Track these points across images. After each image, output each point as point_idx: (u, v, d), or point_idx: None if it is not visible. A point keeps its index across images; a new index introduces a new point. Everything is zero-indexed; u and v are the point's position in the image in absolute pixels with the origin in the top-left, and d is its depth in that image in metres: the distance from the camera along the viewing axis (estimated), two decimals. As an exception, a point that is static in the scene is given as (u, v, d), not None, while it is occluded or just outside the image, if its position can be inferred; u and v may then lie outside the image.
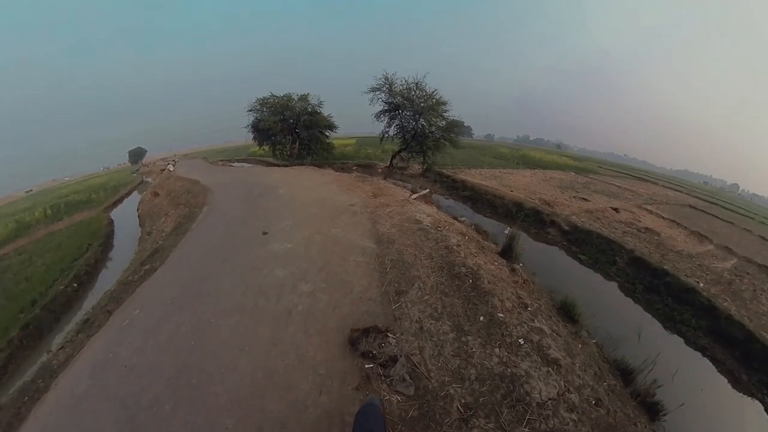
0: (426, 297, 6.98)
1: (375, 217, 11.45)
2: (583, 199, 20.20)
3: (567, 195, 20.76)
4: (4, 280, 15.93)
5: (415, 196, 15.67)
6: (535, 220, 16.21)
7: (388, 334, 5.89)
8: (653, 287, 11.32)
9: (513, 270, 9.31)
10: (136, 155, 69.63)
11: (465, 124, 28.44)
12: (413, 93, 24.70)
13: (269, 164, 31.90)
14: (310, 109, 29.32)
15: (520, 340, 6.09)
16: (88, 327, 7.90)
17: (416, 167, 27.41)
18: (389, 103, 25.25)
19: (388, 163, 28.52)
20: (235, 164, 38.94)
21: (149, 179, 41.82)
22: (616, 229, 15.15)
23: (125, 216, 25.89)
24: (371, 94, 24.99)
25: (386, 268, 8.00)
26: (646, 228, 15.65)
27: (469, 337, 6.04)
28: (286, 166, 28.04)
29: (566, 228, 15.05)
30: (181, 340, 6.23)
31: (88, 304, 11.74)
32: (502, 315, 6.69)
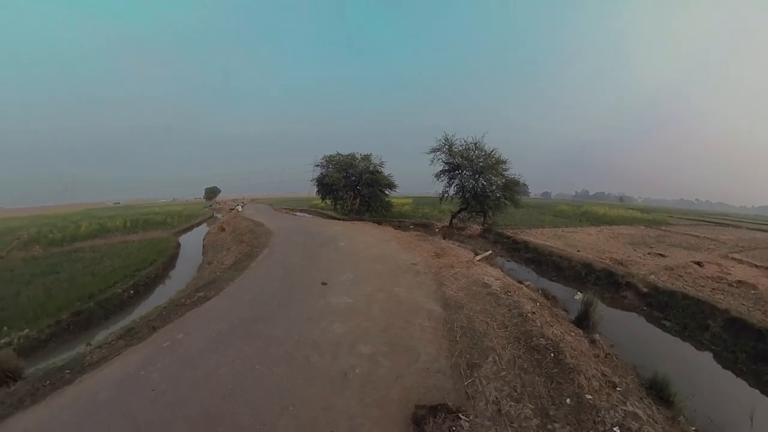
0: (503, 373, 5.78)
1: (440, 278, 10.83)
2: (660, 254, 17.49)
3: (640, 252, 18.19)
4: (74, 269, 17.19)
5: (479, 257, 14.77)
6: (607, 282, 14.08)
7: (461, 415, 4.78)
8: (759, 354, 8.75)
9: (593, 342, 7.79)
10: (211, 192, 77.55)
11: (523, 182, 27.67)
12: (472, 153, 24.98)
13: (330, 217, 32.96)
14: (371, 168, 31.08)
15: (615, 429, 4.69)
16: (129, 336, 7.66)
17: (475, 228, 26.51)
18: (449, 163, 25.65)
19: (448, 222, 28.00)
20: (298, 213, 40.71)
21: (219, 215, 44.84)
22: (703, 286, 12.59)
23: (191, 242, 27.47)
24: (432, 155, 25.68)
25: (456, 336, 6.95)
26: (739, 281, 12.87)
27: (556, 425, 4.74)
28: (346, 220, 28.82)
29: (644, 290, 12.84)
30: (219, 381, 5.55)
31: (138, 313, 12.01)
32: (590, 396, 5.33)
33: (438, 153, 25.69)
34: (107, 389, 5.49)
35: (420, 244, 16.68)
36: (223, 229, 27.77)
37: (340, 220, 29.10)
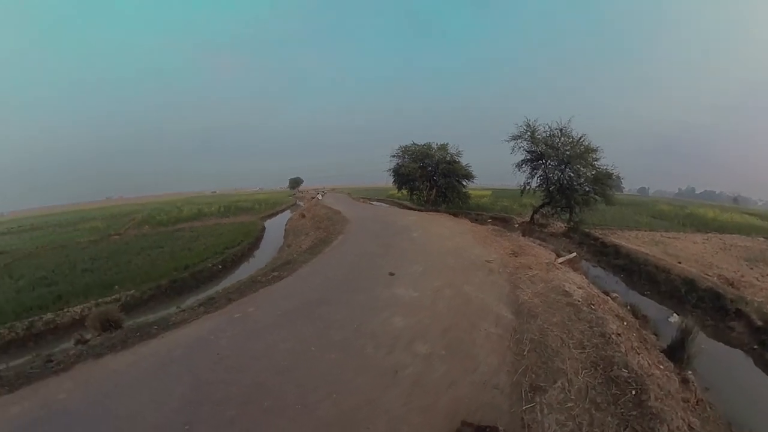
0: (570, 404, 4.79)
1: (515, 280, 9.66)
2: (787, 278, 13.59)
3: (758, 271, 14.26)
4: (174, 245, 19.68)
5: (561, 259, 12.82)
6: (711, 306, 11.19)
7: (509, 445, 4.06)
8: None
9: (684, 381, 6.22)
10: (295, 182, 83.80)
11: (617, 175, 23.36)
12: (557, 140, 21.81)
13: (405, 207, 32.63)
14: (448, 158, 29.53)
15: None
16: (209, 304, 8.34)
17: (559, 225, 23.35)
18: (531, 152, 22.81)
19: (528, 218, 25.23)
20: (375, 203, 41.37)
21: (301, 203, 47.64)
22: None
23: (275, 227, 29.63)
24: (512, 143, 23.02)
25: (523, 350, 6.05)
26: None
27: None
28: (422, 210, 28.26)
29: (759, 323, 9.92)
30: (276, 356, 5.64)
31: (222, 285, 13.21)
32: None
33: (519, 140, 23.02)
34: (181, 348, 6.12)
35: (496, 240, 15.37)
36: (303, 216, 29.30)
37: (415, 210, 28.56)
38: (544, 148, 21.92)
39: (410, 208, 30.69)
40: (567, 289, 8.89)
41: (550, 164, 22.52)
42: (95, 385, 5.13)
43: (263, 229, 28.26)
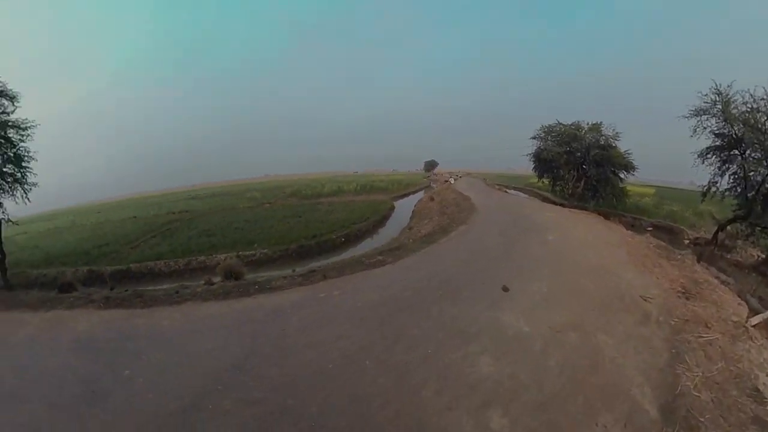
0: None
1: (678, 344, 5.98)
2: None
3: None
4: (311, 216, 21.81)
5: (758, 319, 7.68)
6: None
7: None
8: None
9: None
10: (429, 165, 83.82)
11: None
12: (765, 118, 13.26)
13: (544, 199, 28.02)
14: (602, 142, 22.98)
15: None
16: (307, 276, 8.66)
17: (752, 252, 15.23)
18: (722, 135, 14.70)
19: (710, 235, 16.59)
20: (511, 192, 37.57)
21: (434, 186, 46.94)
22: None
23: (404, 207, 29.82)
24: (694, 121, 14.89)
25: None
26: None
27: None
28: (564, 206, 23.17)
29: None
30: (325, 359, 5.16)
31: (339, 257, 13.75)
32: None
33: (704, 117, 15.14)
34: (265, 312, 6.67)
35: (660, 263, 10.88)
36: (432, 199, 28.65)
37: (556, 204, 24.00)
38: (743, 129, 13.95)
39: (551, 202, 26.30)
40: (761, 387, 5.13)
41: (751, 156, 14.27)
42: (188, 322, 6.54)
43: (392, 208, 28.82)
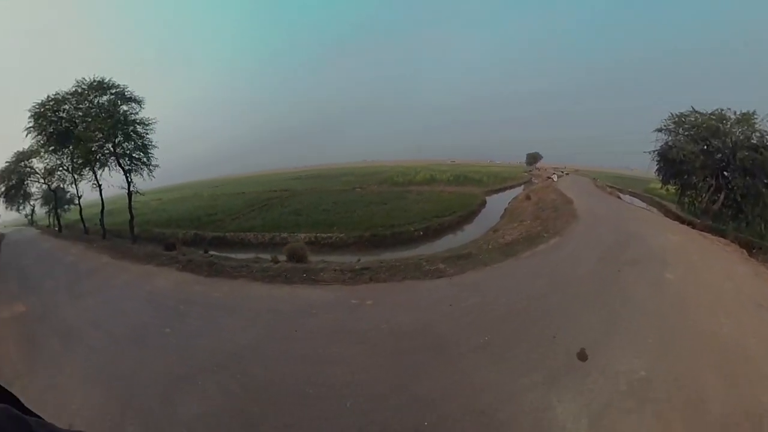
0: None
1: None
2: None
3: None
4: (395, 205, 21.67)
5: None
6: None
7: None
8: None
9: None
10: (532, 158, 76.08)
11: None
12: None
13: (667, 212, 22.14)
14: (755, 141, 16.82)
15: None
16: (353, 274, 8.46)
17: None
18: None
19: None
20: (625, 197, 31.61)
21: (535, 182, 42.81)
22: None
23: (497, 203, 27.59)
24: None
25: None
26: None
27: None
28: (692, 225, 16.85)
29: None
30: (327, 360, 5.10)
31: (406, 254, 12.79)
32: None
33: None
34: (288, 310, 6.80)
35: None
36: (528, 198, 26.08)
37: (682, 222, 17.48)
38: None
39: (675, 217, 19.75)
40: None
41: None
42: (230, 299, 7.41)
43: (483, 203, 26.85)
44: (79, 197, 18.34)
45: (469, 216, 22.12)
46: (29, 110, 14.38)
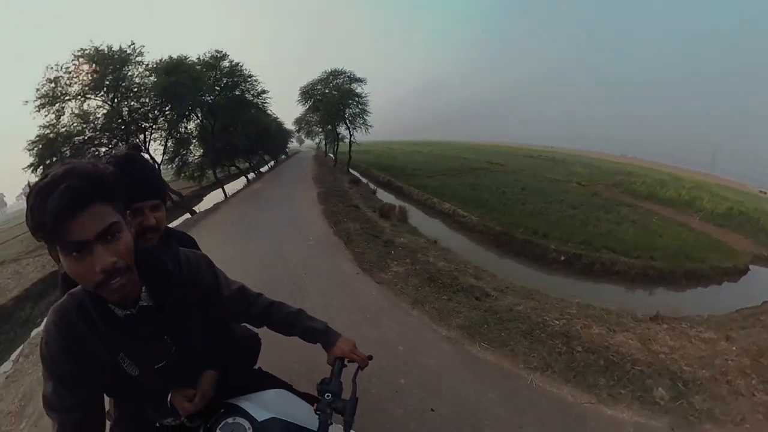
0: None
1: None
2: None
3: None
4: (604, 222, 13.68)
5: None
6: None
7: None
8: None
9: None
10: None
11: None
12: None
13: None
14: None
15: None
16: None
17: None
18: None
19: None
20: None
21: None
22: None
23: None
24: None
25: None
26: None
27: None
28: None
29: None
30: None
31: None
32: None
33: None
34: None
35: None
36: None
37: None
38: None
39: None
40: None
41: None
42: None
43: (744, 271, 12.19)
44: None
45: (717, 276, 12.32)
46: (300, 89, 23.65)
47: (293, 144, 42.74)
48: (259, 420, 1.00)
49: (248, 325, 1.34)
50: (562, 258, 10.13)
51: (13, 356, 5.04)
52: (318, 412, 0.99)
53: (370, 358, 1.22)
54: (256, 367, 1.50)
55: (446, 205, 13.81)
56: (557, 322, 3.70)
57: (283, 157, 43.54)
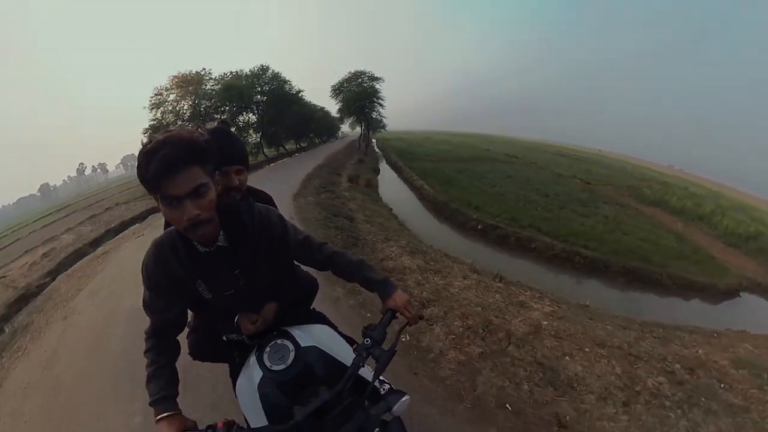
0: None
1: None
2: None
3: None
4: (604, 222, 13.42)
5: None
6: None
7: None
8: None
9: None
10: None
11: None
12: None
13: None
14: None
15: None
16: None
17: None
18: None
19: None
20: None
21: None
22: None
23: None
24: None
25: None
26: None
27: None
28: None
29: None
30: None
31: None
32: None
33: None
34: None
35: None
36: None
37: None
38: None
39: None
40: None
41: None
42: None
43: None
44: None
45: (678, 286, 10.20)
46: (331, 87, 28.69)
47: (346, 129, 48.74)
48: (302, 345, 1.16)
49: (310, 271, 1.60)
50: (479, 227, 11.17)
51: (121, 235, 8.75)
52: (355, 353, 1.07)
53: (421, 317, 1.30)
54: (312, 307, 1.73)
55: (420, 181, 16.11)
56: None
57: (333, 139, 51.96)
